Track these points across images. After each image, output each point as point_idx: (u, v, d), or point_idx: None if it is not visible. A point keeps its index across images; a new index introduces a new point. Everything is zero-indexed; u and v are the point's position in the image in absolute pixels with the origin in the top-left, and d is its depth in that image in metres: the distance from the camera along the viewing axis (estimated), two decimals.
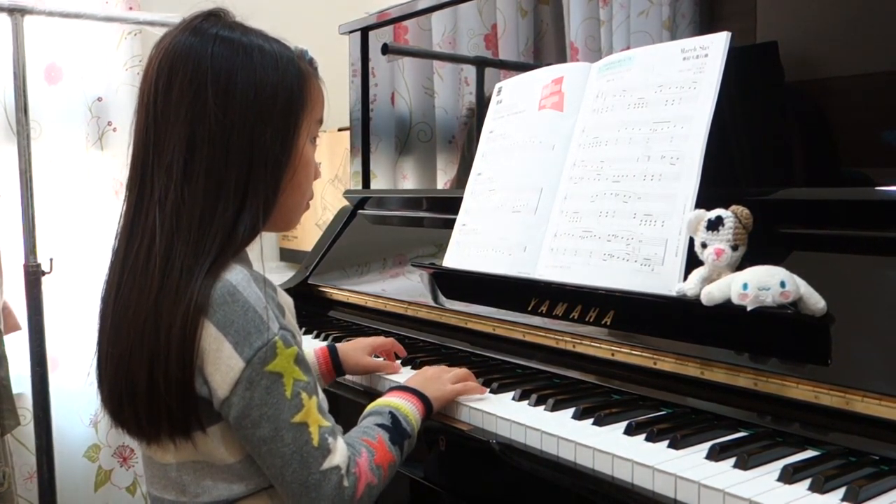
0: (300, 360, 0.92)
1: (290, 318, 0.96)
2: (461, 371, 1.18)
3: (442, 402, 1.12)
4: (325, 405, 0.97)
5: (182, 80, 0.92)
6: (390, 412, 1.03)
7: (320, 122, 1.02)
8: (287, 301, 0.97)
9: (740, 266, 1.03)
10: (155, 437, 0.93)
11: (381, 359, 1.36)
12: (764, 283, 0.96)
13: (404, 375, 1.30)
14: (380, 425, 1.01)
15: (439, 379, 1.14)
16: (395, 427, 1.01)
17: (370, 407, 1.06)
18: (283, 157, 0.95)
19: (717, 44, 1.18)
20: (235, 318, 0.89)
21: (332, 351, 1.31)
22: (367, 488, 0.94)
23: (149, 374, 0.89)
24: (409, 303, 1.55)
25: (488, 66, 1.80)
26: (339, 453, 0.92)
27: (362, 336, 1.58)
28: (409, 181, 2.01)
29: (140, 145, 0.95)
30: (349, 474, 0.92)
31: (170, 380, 0.88)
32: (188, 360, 0.88)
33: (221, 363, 0.88)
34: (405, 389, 1.09)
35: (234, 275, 0.91)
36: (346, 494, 0.92)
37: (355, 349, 1.32)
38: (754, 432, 0.99)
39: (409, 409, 1.05)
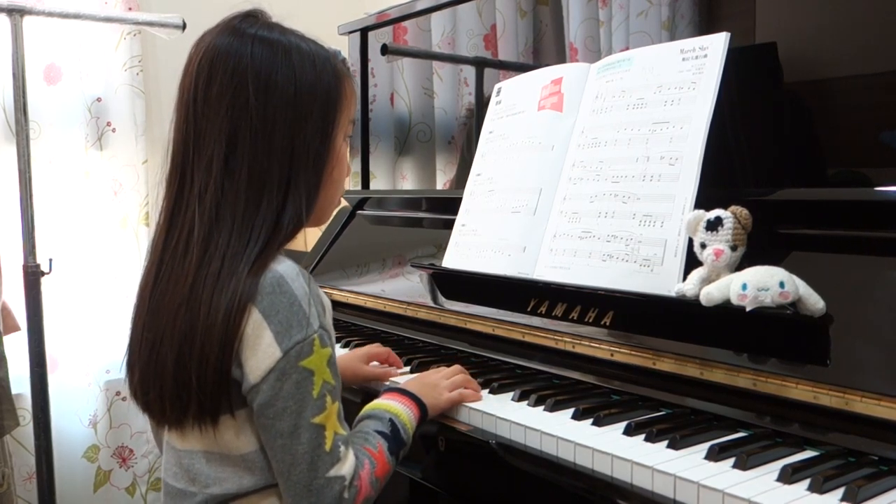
0: (332, 362, 0.94)
1: (329, 318, 0.98)
2: (458, 377, 1.17)
3: (437, 411, 1.12)
4: (342, 412, 0.98)
5: (222, 78, 0.94)
6: (390, 419, 1.04)
7: (353, 121, 1.05)
8: (327, 301, 0.98)
9: (739, 266, 1.03)
10: (178, 420, 0.95)
11: (378, 364, 1.35)
12: (763, 284, 0.96)
13: (402, 377, 1.30)
14: (380, 433, 1.02)
15: (437, 387, 1.14)
16: (394, 436, 1.02)
17: (369, 408, 1.06)
18: (322, 151, 0.97)
19: (717, 44, 1.18)
20: (281, 308, 0.91)
21: None
22: (364, 501, 0.96)
23: (176, 358, 0.91)
24: (409, 303, 1.55)
25: (487, 66, 1.80)
26: (347, 464, 0.93)
27: (361, 337, 1.59)
28: (408, 182, 2.01)
29: (179, 142, 0.97)
30: (351, 486, 0.94)
31: (205, 364, 0.90)
32: (229, 345, 0.90)
33: (259, 349, 0.90)
34: (405, 394, 1.09)
35: (284, 266, 0.93)
36: None
37: (351, 359, 1.32)
38: (753, 433, 0.99)
39: (407, 417, 1.05)
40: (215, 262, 0.91)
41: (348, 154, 1.04)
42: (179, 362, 0.91)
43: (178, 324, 0.92)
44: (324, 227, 2.02)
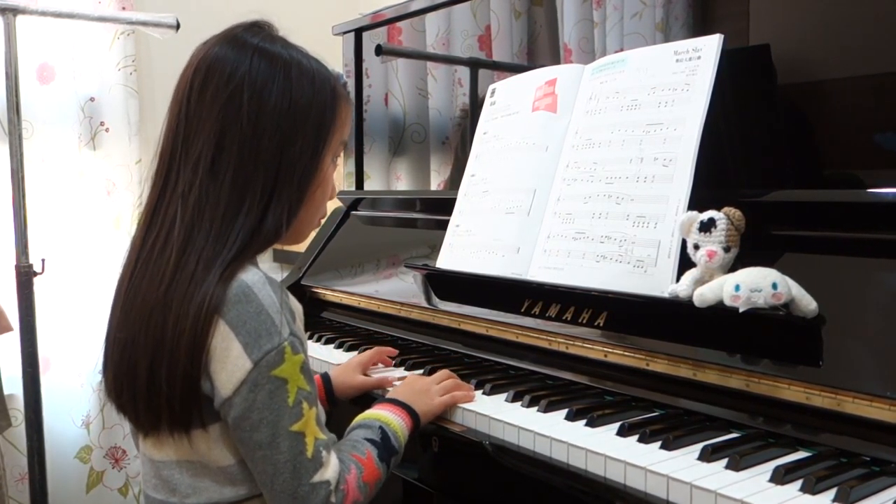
0: (305, 368, 0.93)
1: (300, 324, 0.97)
2: (449, 382, 1.17)
3: (429, 417, 1.12)
4: (323, 417, 0.97)
5: (219, 81, 0.94)
6: (380, 427, 1.03)
7: (344, 143, 1.04)
8: (297, 307, 0.97)
9: (733, 268, 1.04)
10: (153, 428, 0.94)
11: (377, 366, 1.36)
12: (756, 285, 0.96)
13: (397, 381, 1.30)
14: (369, 440, 1.01)
15: (428, 392, 1.13)
16: (383, 443, 1.01)
17: (360, 418, 1.06)
18: (310, 169, 0.97)
19: (710, 46, 1.18)
20: (248, 318, 0.89)
21: (326, 380, 1.27)
22: None
23: (150, 364, 0.90)
24: (403, 304, 1.55)
25: (482, 67, 1.80)
26: (330, 468, 0.93)
27: (355, 337, 1.58)
28: (402, 182, 2.01)
29: (169, 140, 0.97)
30: (337, 490, 0.93)
31: (174, 372, 0.89)
32: (197, 356, 0.89)
33: (229, 362, 0.89)
34: (395, 403, 1.09)
35: (250, 276, 0.92)
36: None
37: (346, 372, 1.30)
38: (746, 433, 0.99)
39: (398, 424, 1.05)
40: (191, 264, 0.91)
41: (333, 176, 1.03)
42: (152, 369, 0.90)
43: (152, 328, 0.90)
44: (318, 227, 2.02)
